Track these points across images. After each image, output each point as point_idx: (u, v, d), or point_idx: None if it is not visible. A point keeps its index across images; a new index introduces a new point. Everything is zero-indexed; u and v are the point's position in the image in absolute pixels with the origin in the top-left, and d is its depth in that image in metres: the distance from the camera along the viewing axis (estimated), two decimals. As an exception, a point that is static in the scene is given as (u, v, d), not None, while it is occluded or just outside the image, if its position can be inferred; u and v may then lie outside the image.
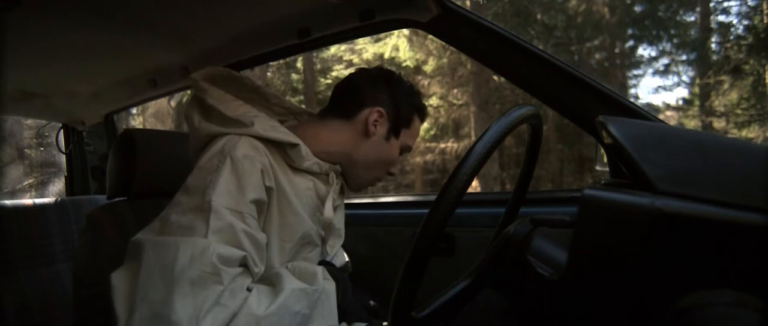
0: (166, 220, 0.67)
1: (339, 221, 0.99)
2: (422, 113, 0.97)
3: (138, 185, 1.02)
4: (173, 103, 8.17)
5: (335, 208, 0.92)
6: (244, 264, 0.67)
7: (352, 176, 0.93)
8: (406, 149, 0.96)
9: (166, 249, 0.61)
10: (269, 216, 0.77)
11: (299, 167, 0.83)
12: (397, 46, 7.57)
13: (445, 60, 7.65)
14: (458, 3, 0.95)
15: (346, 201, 1.55)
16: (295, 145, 0.81)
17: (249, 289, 0.65)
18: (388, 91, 0.92)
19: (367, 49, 8.21)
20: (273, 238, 0.77)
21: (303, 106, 1.01)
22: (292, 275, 0.74)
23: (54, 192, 7.31)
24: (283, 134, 0.81)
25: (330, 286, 0.77)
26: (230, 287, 0.62)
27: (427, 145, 8.25)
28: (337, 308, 0.77)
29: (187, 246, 0.61)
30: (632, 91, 8.69)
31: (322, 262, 0.90)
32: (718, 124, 7.26)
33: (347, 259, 1.05)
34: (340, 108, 0.92)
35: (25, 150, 8.25)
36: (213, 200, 0.66)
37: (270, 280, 0.72)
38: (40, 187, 8.02)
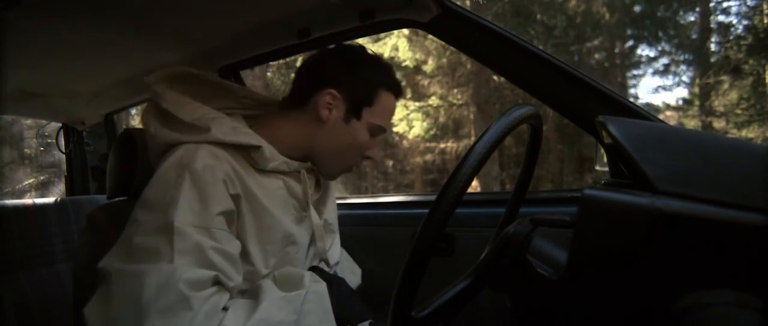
0: (129, 243, 0.65)
1: (329, 216, 0.95)
2: (392, 86, 0.86)
3: (138, 185, 1.02)
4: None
5: (314, 203, 0.88)
6: (217, 282, 0.65)
7: (322, 166, 0.87)
8: (377, 130, 0.85)
9: (132, 280, 0.60)
10: (243, 223, 0.73)
11: (265, 169, 0.79)
12: (397, 46, 7.57)
13: (445, 60, 7.64)
14: (458, 3, 0.95)
15: (346, 201, 1.55)
16: (257, 148, 0.76)
17: (226, 308, 0.64)
18: (343, 70, 0.83)
19: (368, 49, 8.20)
20: (253, 245, 0.74)
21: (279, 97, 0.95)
22: (274, 285, 0.72)
23: (55, 193, 7.29)
24: (244, 136, 0.76)
25: (320, 287, 0.75)
26: (203, 310, 0.60)
27: (427, 145, 8.25)
28: (332, 308, 0.75)
29: (153, 276, 0.60)
30: (632, 91, 8.69)
31: (313, 268, 0.86)
32: (718, 124, 7.26)
33: (352, 262, 1.03)
34: (294, 95, 0.86)
35: (25, 150, 8.25)
36: (176, 220, 0.63)
37: (253, 293, 0.70)
38: (41, 188, 8.02)
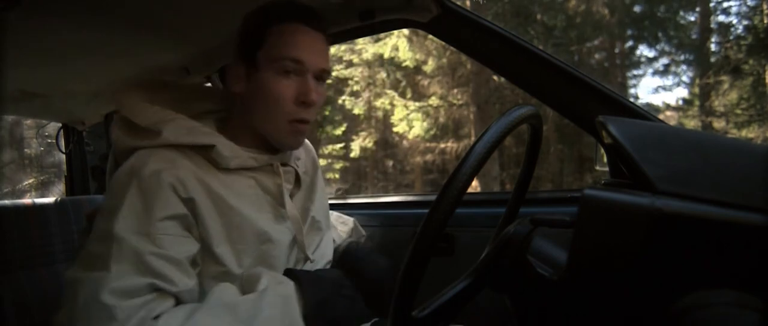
0: (83, 249, 0.66)
1: (318, 213, 0.91)
2: (281, 15, 0.75)
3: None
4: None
5: (298, 199, 0.85)
6: (156, 289, 0.64)
7: (271, 138, 0.79)
8: (290, 65, 0.74)
9: (73, 289, 0.62)
10: (206, 225, 0.70)
11: (229, 167, 0.75)
12: (397, 46, 7.57)
13: (445, 60, 7.65)
14: (458, 3, 0.95)
15: (346, 202, 1.55)
16: (211, 147, 0.73)
17: (158, 317, 0.62)
18: (239, 33, 0.79)
19: (367, 49, 8.21)
20: (222, 246, 0.72)
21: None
22: (230, 288, 0.69)
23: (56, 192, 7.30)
24: (198, 136, 0.74)
25: (283, 289, 0.70)
26: (132, 319, 0.60)
27: (427, 145, 8.25)
28: (303, 311, 0.71)
29: (84, 285, 0.61)
30: (632, 91, 8.70)
31: (287, 271, 0.80)
32: (718, 124, 7.26)
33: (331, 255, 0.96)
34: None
35: (26, 150, 8.26)
36: (115, 227, 0.64)
37: (204, 297, 0.69)
38: (42, 187, 8.02)
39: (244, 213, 0.74)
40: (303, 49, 0.75)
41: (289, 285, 0.72)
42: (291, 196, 0.85)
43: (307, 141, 1.02)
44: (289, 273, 0.77)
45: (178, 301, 0.66)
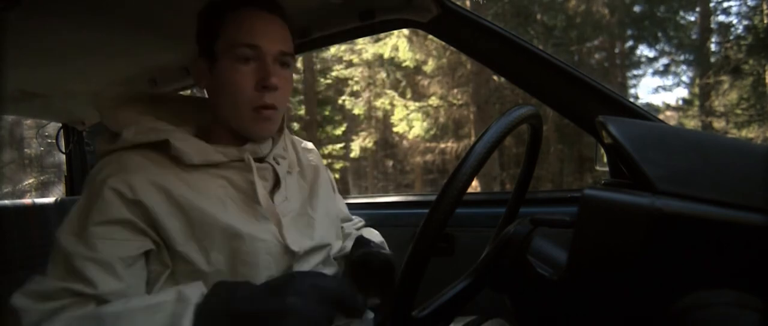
0: None
1: (319, 217, 0.86)
2: (233, 1, 0.75)
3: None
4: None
5: (275, 195, 0.80)
6: (76, 294, 0.63)
7: (240, 129, 0.77)
8: (246, 52, 0.73)
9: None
10: (164, 225, 0.68)
11: (192, 163, 0.73)
12: (396, 46, 7.58)
13: (445, 60, 7.65)
14: (458, 3, 0.95)
15: (346, 201, 1.55)
16: (166, 143, 0.72)
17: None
18: (198, 27, 0.79)
19: (367, 49, 8.22)
20: (187, 244, 0.69)
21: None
22: (140, 296, 0.66)
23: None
24: (154, 135, 0.73)
25: (180, 307, 0.59)
26: (41, 324, 0.62)
27: (427, 145, 8.26)
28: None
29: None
30: (632, 91, 8.71)
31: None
32: (718, 124, 7.27)
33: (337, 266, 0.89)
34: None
35: (26, 150, 8.26)
36: (60, 231, 0.68)
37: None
38: (42, 188, 8.03)
39: (208, 210, 0.71)
40: (257, 34, 0.74)
41: (189, 303, 0.60)
42: (270, 194, 0.81)
43: (311, 145, 1.00)
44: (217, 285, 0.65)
45: (104, 303, 0.64)
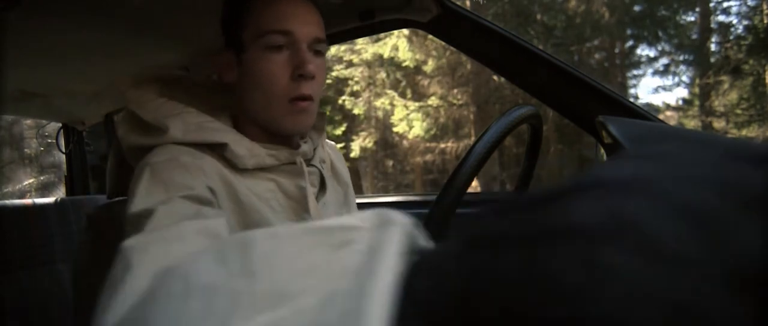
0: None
1: (341, 212, 0.81)
2: None
3: (138, 185, 1.02)
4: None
5: (319, 200, 0.75)
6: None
7: (274, 126, 0.70)
8: (278, 38, 0.67)
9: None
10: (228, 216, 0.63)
11: (246, 167, 0.67)
12: (396, 46, 7.58)
13: (444, 60, 7.65)
14: (458, 3, 0.95)
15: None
16: (223, 145, 0.65)
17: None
18: (222, 19, 0.74)
19: (367, 49, 8.21)
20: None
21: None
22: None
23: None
24: (208, 133, 0.66)
25: (381, 234, 0.50)
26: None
27: (427, 145, 8.26)
28: None
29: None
30: (632, 91, 8.71)
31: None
32: (718, 124, 7.27)
33: None
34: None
35: (26, 150, 8.26)
36: (135, 208, 0.55)
37: None
38: (42, 188, 8.03)
39: (264, 215, 0.66)
40: (290, 19, 0.67)
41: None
42: (316, 200, 0.75)
43: (332, 143, 0.94)
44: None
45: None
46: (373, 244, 0.23)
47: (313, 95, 0.69)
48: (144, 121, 0.67)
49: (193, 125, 0.66)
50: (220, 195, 0.63)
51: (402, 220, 0.26)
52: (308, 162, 0.75)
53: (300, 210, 0.70)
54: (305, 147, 0.74)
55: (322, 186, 0.78)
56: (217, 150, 0.66)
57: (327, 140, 0.92)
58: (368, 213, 0.27)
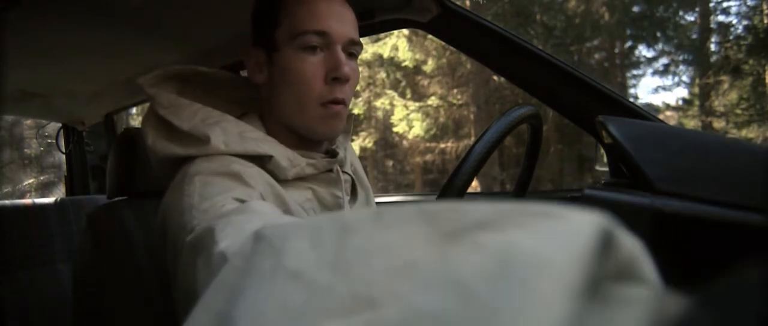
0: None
1: None
2: None
3: (138, 185, 1.02)
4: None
5: (351, 207, 0.73)
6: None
7: (304, 130, 0.67)
8: (313, 39, 0.64)
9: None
10: None
11: (287, 178, 0.64)
12: (396, 46, 7.58)
13: (444, 60, 7.65)
14: (458, 3, 0.95)
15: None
16: (269, 158, 0.62)
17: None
18: (253, 16, 0.71)
19: (367, 49, 8.21)
20: None
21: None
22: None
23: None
24: (252, 144, 0.62)
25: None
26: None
27: (427, 145, 8.26)
28: None
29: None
30: (632, 91, 8.71)
31: None
32: (718, 124, 7.27)
33: None
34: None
35: (26, 150, 8.26)
36: (185, 220, 0.51)
37: None
38: (42, 188, 8.03)
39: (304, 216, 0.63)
40: (326, 19, 0.64)
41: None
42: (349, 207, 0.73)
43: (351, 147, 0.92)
44: None
45: None
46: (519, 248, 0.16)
47: (346, 99, 0.67)
48: (178, 128, 0.63)
49: (234, 135, 0.62)
50: (265, 192, 0.59)
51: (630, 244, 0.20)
52: (342, 169, 0.72)
53: None
54: (341, 154, 0.71)
55: (354, 192, 0.76)
56: (259, 160, 0.63)
57: None
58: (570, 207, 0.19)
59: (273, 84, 0.67)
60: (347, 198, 0.71)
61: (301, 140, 0.68)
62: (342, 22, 0.65)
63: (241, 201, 0.52)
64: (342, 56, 0.64)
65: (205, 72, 0.72)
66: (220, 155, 0.60)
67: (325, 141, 0.71)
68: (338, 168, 0.69)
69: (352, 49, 0.67)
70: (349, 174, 0.74)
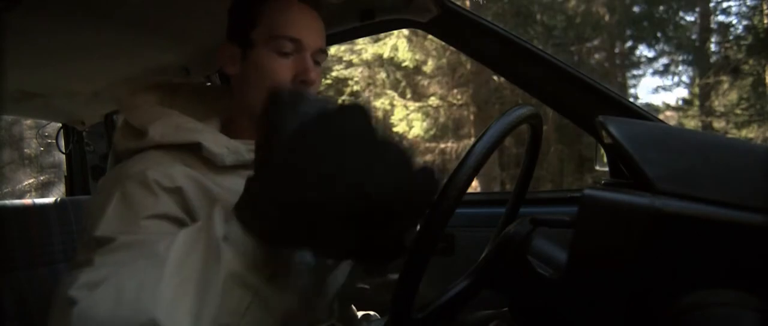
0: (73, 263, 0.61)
1: None
2: None
3: (138, 185, 1.02)
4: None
5: None
6: None
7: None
8: (286, 45, 0.70)
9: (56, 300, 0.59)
10: (196, 210, 0.65)
11: (225, 164, 0.69)
12: (396, 46, 7.57)
13: (444, 60, 7.65)
14: (458, 3, 0.95)
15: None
16: (197, 145, 0.67)
17: None
18: (232, 11, 0.76)
19: (367, 49, 8.21)
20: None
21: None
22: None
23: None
24: (183, 134, 0.68)
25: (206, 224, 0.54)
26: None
27: (427, 145, 8.25)
28: None
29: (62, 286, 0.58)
30: (632, 91, 8.71)
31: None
32: (718, 124, 7.27)
33: None
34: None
35: (25, 150, 8.25)
36: (97, 230, 0.58)
37: None
38: (42, 188, 8.02)
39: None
40: (301, 28, 0.72)
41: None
42: None
43: None
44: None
45: None
46: None
47: None
48: (132, 125, 0.71)
49: (171, 127, 0.69)
50: (187, 186, 0.64)
51: None
52: None
53: None
54: None
55: None
56: (196, 150, 0.68)
57: None
58: None
59: (245, 77, 0.73)
60: None
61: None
62: (313, 32, 0.73)
63: (159, 218, 0.60)
64: (310, 63, 0.72)
65: (186, 84, 0.80)
66: (153, 151, 0.67)
67: None
68: None
69: (319, 57, 0.75)
70: None
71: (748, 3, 6.94)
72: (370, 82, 8.49)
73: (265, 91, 0.65)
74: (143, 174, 0.63)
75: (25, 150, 8.33)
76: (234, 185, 0.66)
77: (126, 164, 0.68)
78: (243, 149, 0.70)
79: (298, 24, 0.72)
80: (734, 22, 7.16)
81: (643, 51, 8.42)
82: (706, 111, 7.45)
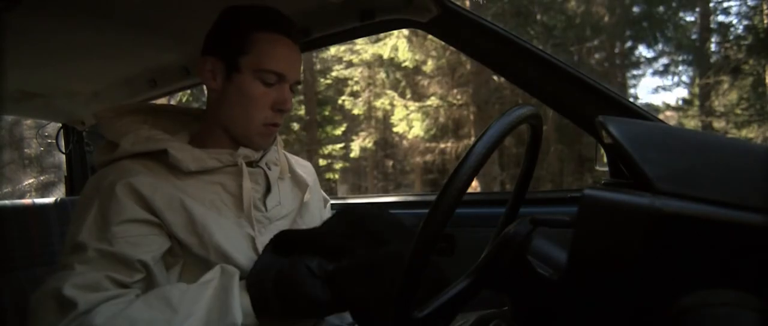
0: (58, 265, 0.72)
1: (294, 215, 0.89)
2: (267, 24, 0.78)
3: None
4: (173, 103, 8.17)
5: (268, 200, 0.83)
6: (121, 283, 0.67)
7: (239, 137, 0.82)
8: (270, 77, 0.78)
9: (38, 297, 0.70)
10: (168, 220, 0.72)
11: (190, 170, 0.75)
12: (396, 47, 7.58)
13: (444, 60, 7.66)
14: (458, 3, 0.95)
15: (346, 202, 1.55)
16: (165, 152, 0.75)
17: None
18: (214, 31, 0.82)
19: (367, 49, 8.21)
20: (189, 237, 0.73)
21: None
22: (174, 285, 0.69)
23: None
24: (152, 143, 0.76)
25: (225, 280, 0.67)
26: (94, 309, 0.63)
27: (427, 145, 8.26)
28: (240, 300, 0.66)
29: (48, 284, 0.68)
30: (632, 91, 8.71)
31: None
32: (718, 124, 7.27)
33: None
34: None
35: (26, 150, 8.25)
36: (79, 237, 0.68)
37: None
38: (42, 188, 8.02)
39: (205, 212, 0.75)
40: (286, 64, 0.80)
41: (233, 275, 0.68)
42: (263, 198, 0.84)
43: (307, 163, 1.05)
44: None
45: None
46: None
47: (281, 123, 0.84)
48: (108, 140, 0.80)
49: (142, 139, 0.77)
50: (155, 197, 0.72)
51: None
52: (252, 164, 0.84)
53: (238, 206, 0.79)
54: (246, 150, 0.82)
55: (268, 187, 0.86)
56: (163, 158, 0.75)
57: (301, 160, 1.04)
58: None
59: (226, 96, 0.80)
60: (259, 188, 0.84)
61: (231, 141, 0.83)
62: (295, 68, 0.82)
63: (129, 222, 0.70)
64: (289, 93, 0.82)
65: (169, 108, 0.90)
66: (125, 161, 0.76)
67: (259, 148, 0.85)
68: (242, 161, 0.80)
69: (295, 88, 0.85)
70: (262, 169, 0.85)
71: (748, 3, 6.94)
72: (370, 82, 8.50)
73: (247, 113, 0.79)
74: (112, 185, 0.71)
75: (26, 150, 8.34)
76: (197, 190, 0.76)
77: (100, 174, 0.76)
78: (205, 157, 0.77)
79: (285, 60, 0.80)
80: (734, 22, 7.17)
81: (643, 51, 8.43)
82: (706, 111, 7.45)
